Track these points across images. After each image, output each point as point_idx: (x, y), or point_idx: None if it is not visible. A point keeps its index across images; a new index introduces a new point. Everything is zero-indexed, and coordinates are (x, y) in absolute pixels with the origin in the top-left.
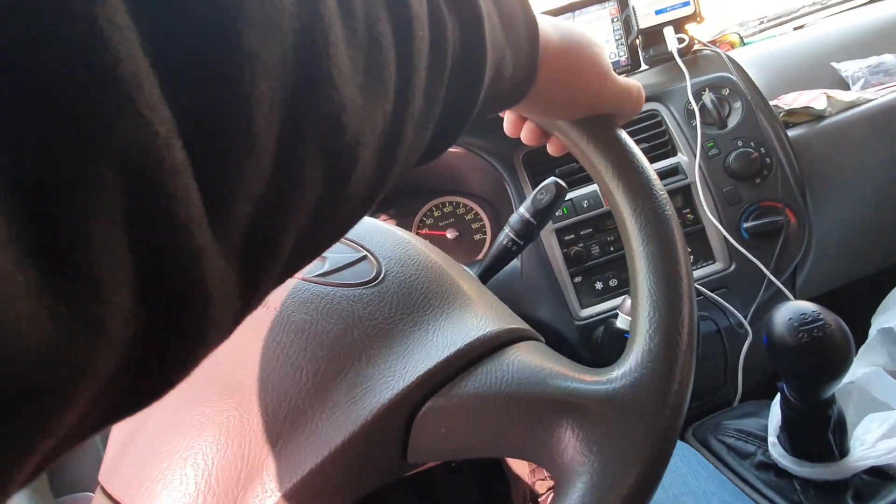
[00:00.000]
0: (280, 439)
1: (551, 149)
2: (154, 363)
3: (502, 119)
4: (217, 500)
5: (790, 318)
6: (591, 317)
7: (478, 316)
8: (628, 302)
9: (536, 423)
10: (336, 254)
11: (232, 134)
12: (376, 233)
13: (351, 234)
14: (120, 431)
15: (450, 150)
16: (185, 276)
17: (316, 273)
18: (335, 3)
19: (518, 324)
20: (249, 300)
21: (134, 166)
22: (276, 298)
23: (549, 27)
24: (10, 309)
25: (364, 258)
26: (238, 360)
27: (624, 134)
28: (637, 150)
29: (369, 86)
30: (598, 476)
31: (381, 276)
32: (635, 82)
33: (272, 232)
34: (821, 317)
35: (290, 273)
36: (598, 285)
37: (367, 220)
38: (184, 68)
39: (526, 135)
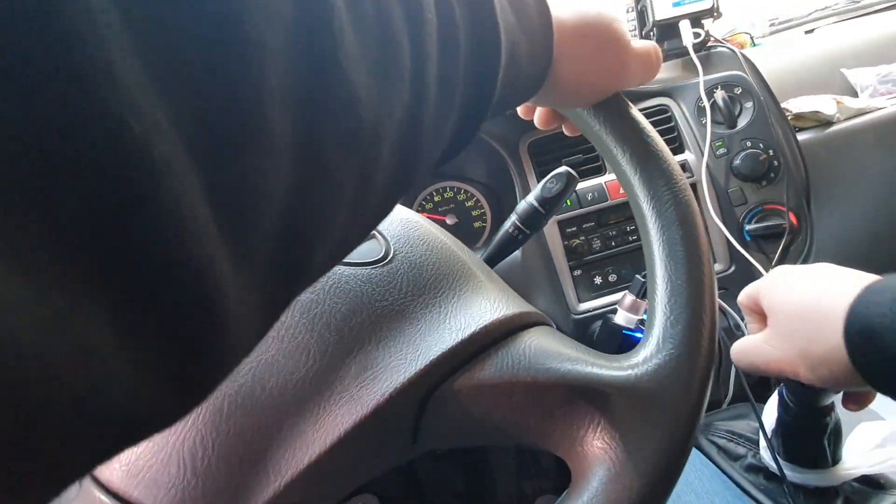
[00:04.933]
0: (285, 423)
1: (567, 130)
2: (168, 389)
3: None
4: (216, 485)
5: None
6: (588, 311)
7: (490, 299)
8: (628, 298)
9: (555, 410)
10: None
11: (244, 130)
12: None
13: None
14: None
15: None
16: (191, 298)
17: None
18: None
19: (530, 308)
20: (274, 316)
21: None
22: None
23: (561, 9)
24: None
25: (371, 237)
26: None
27: (640, 116)
28: (654, 135)
29: (383, 73)
30: (618, 468)
31: (390, 256)
32: (650, 44)
33: (302, 244)
34: None
35: (314, 281)
36: (598, 280)
37: None
38: (180, 60)
39: (539, 118)
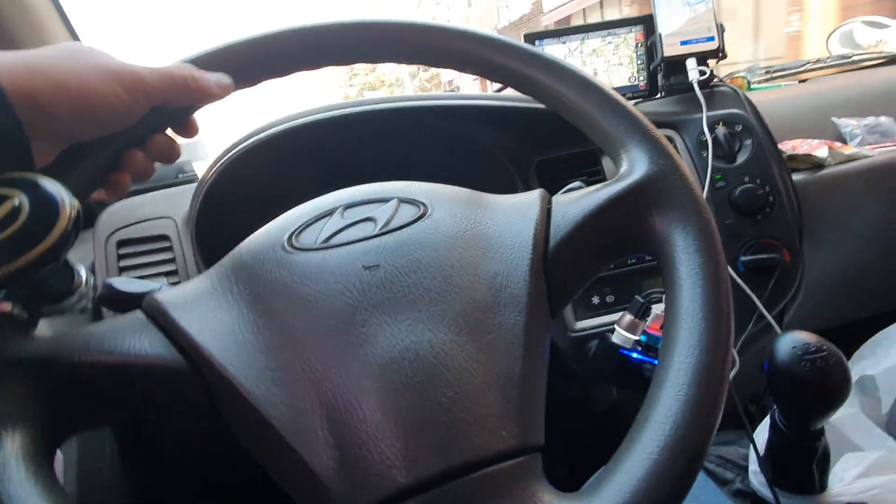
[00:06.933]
0: (472, 356)
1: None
2: None
3: (526, 119)
4: (437, 444)
5: (794, 347)
6: (585, 330)
7: (512, 198)
8: (627, 317)
9: (620, 222)
10: (373, 211)
11: None
12: (385, 187)
13: (365, 194)
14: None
15: (468, 144)
16: None
17: (377, 231)
18: None
19: (536, 190)
20: None
21: None
22: (371, 260)
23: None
24: None
25: (399, 204)
26: (380, 326)
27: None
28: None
29: None
30: (685, 222)
31: (428, 208)
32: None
33: None
34: (824, 348)
35: None
36: (595, 300)
37: (370, 185)
38: None
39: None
